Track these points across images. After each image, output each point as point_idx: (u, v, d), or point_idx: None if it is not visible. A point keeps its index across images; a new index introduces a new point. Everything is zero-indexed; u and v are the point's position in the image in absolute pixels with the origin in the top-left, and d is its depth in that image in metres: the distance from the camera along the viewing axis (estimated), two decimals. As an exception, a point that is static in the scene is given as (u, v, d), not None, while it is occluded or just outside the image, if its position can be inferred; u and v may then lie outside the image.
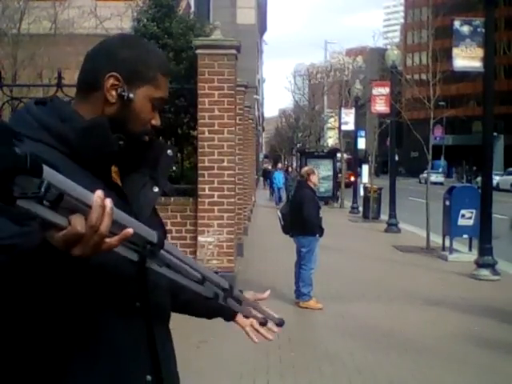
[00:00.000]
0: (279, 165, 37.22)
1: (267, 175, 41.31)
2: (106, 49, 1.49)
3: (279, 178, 29.34)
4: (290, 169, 33.79)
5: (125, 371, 1.40)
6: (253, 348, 6.05)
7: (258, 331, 1.87)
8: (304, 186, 8.16)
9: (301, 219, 7.86)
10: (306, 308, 7.82)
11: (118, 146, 1.41)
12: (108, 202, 1.08)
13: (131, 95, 1.45)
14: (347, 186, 27.54)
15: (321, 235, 8.04)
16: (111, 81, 1.44)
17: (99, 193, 1.08)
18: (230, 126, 8.36)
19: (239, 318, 1.88)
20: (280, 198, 27.28)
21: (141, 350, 1.44)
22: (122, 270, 1.38)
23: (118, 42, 1.51)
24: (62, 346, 1.32)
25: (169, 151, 1.55)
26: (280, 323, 1.87)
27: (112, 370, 1.38)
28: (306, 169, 8.69)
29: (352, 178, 26.60)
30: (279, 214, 8.50)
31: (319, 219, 7.98)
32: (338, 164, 29.29)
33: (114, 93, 1.44)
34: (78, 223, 1.04)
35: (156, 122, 1.51)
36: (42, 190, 0.96)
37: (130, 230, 1.12)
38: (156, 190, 1.51)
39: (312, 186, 8.13)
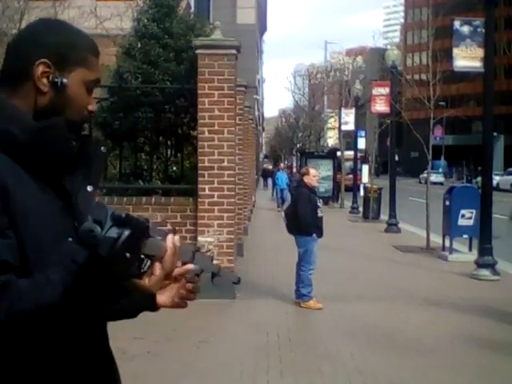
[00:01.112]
0: (281, 164, 36.08)
1: (267, 175, 40.68)
2: (31, 36, 1.41)
3: (282, 178, 26.60)
4: (293, 169, 32.70)
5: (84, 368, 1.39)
6: (253, 348, 6.08)
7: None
8: (301, 185, 8.16)
9: (297, 218, 7.85)
10: (306, 308, 7.81)
11: (74, 147, 1.36)
12: (177, 245, 1.26)
13: (65, 80, 1.37)
14: (347, 189, 25.99)
15: (319, 236, 7.92)
16: (41, 68, 1.36)
17: (172, 241, 1.25)
18: (230, 126, 8.36)
19: (161, 300, 1.51)
20: (283, 200, 24.70)
21: (96, 348, 1.44)
22: None
23: (42, 28, 1.43)
24: (27, 349, 1.28)
25: (102, 148, 1.49)
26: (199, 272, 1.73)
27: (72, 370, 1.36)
28: (303, 168, 8.87)
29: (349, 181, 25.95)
30: (283, 214, 8.54)
31: (316, 219, 7.89)
32: (348, 164, 28.92)
33: (45, 81, 1.36)
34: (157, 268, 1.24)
35: (92, 107, 1.45)
36: (145, 268, 1.21)
37: (190, 267, 1.33)
38: (89, 189, 1.44)
39: (308, 185, 8.11)
